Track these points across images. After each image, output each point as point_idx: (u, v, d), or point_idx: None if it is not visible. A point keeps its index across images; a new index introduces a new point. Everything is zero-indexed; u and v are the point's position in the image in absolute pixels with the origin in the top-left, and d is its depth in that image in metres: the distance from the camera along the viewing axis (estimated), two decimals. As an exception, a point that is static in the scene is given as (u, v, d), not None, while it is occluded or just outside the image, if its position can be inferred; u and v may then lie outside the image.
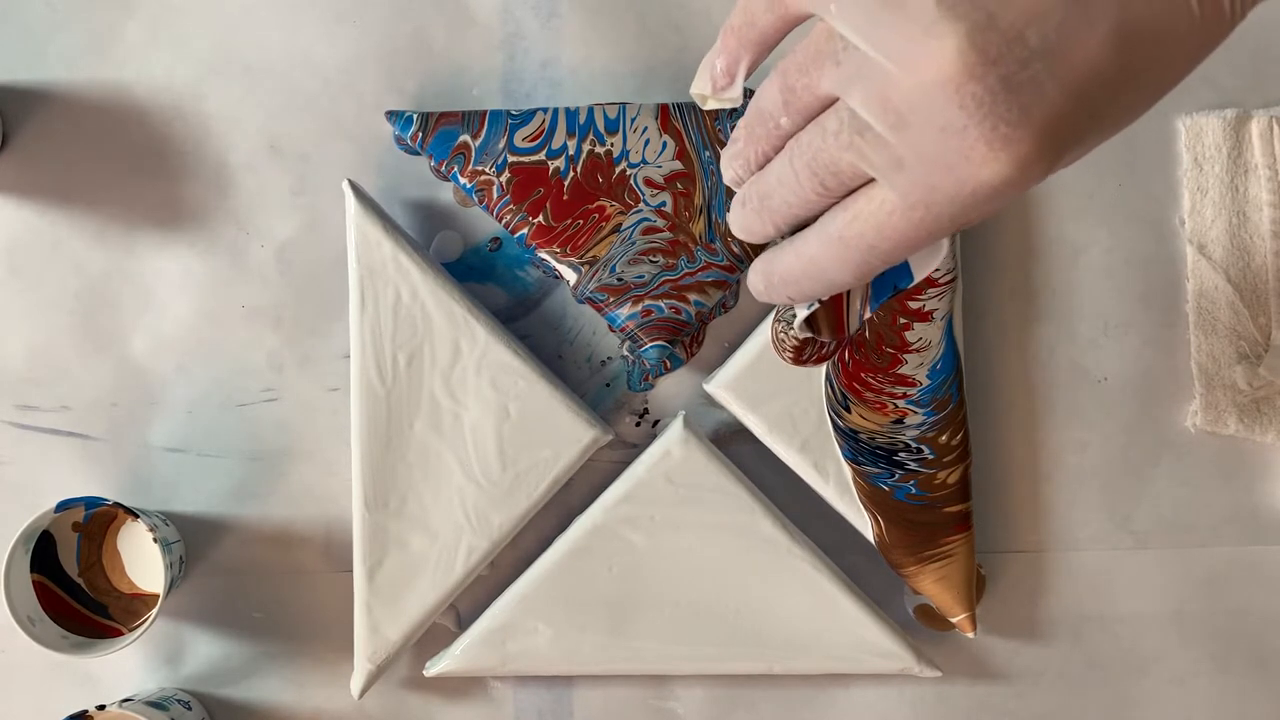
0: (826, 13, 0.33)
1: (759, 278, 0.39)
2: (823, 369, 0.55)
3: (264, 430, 0.58)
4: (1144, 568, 0.58)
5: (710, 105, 0.38)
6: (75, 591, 0.56)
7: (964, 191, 0.33)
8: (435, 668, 0.56)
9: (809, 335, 0.42)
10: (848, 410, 0.55)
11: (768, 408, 0.55)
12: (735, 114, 0.56)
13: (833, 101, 0.34)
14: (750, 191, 0.38)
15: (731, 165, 0.39)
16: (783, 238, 0.39)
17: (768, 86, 0.36)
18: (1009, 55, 0.31)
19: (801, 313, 0.40)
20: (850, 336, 0.43)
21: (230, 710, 0.57)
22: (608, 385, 0.58)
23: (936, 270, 0.55)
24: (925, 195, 0.33)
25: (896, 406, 0.55)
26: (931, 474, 0.55)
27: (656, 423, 0.58)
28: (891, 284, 0.40)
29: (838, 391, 0.55)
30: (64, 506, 0.53)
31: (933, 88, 0.31)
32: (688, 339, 0.56)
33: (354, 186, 0.55)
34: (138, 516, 0.53)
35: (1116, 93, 0.32)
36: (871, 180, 0.34)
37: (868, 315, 0.42)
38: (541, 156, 0.55)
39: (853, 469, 0.55)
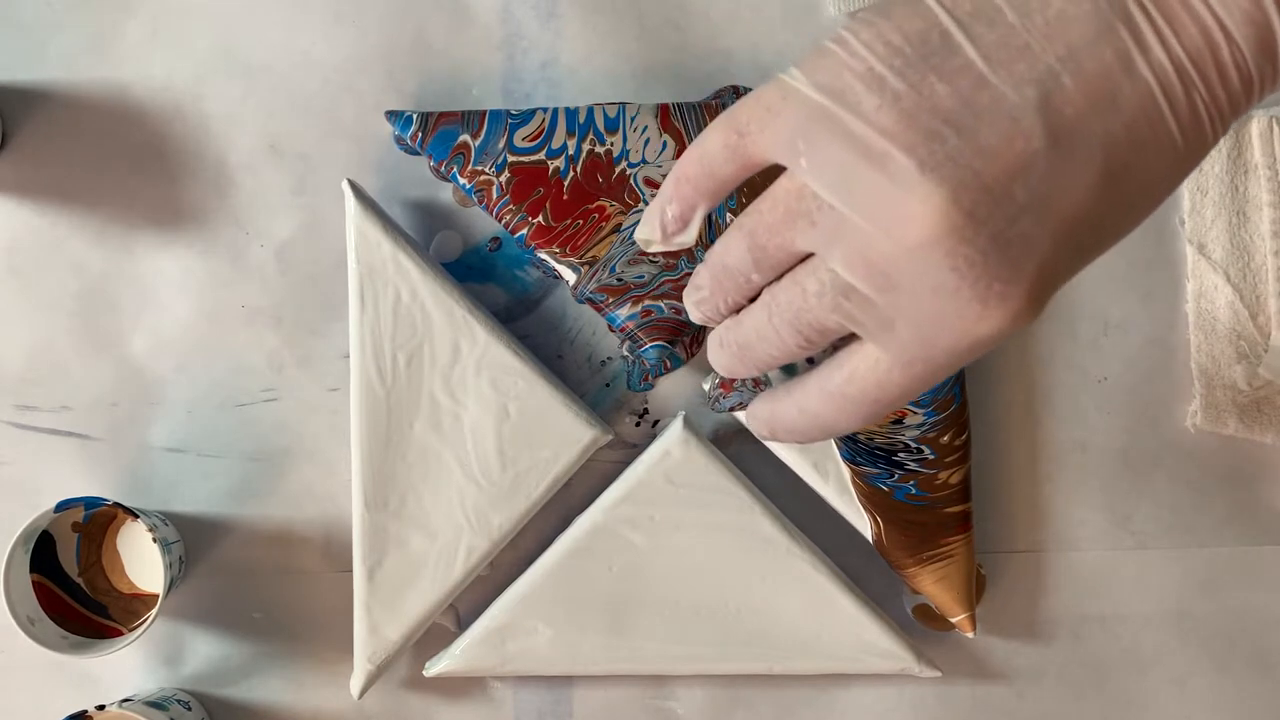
0: (797, 167, 0.32)
1: (762, 426, 0.38)
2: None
3: (264, 430, 0.58)
4: (1144, 568, 0.58)
5: (656, 249, 0.37)
6: (75, 591, 0.56)
7: (960, 347, 0.32)
8: (435, 668, 0.56)
9: None
10: (848, 410, 0.55)
11: (768, 408, 0.55)
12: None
13: (807, 254, 0.33)
14: (728, 338, 0.37)
15: (699, 309, 0.38)
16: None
17: (733, 244, 0.35)
18: (998, 213, 0.30)
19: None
20: None
21: (230, 710, 0.57)
22: (608, 385, 0.58)
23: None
24: (922, 352, 0.32)
25: (896, 406, 0.55)
26: (932, 474, 0.55)
27: (656, 423, 0.58)
28: None
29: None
30: (63, 506, 0.53)
31: (921, 251, 0.30)
32: (688, 339, 0.56)
33: (354, 186, 0.55)
34: (137, 516, 0.53)
35: (1104, 229, 0.32)
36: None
37: None
38: (541, 156, 0.55)
39: (851, 469, 0.55)
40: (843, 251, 0.32)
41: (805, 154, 0.32)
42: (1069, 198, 0.31)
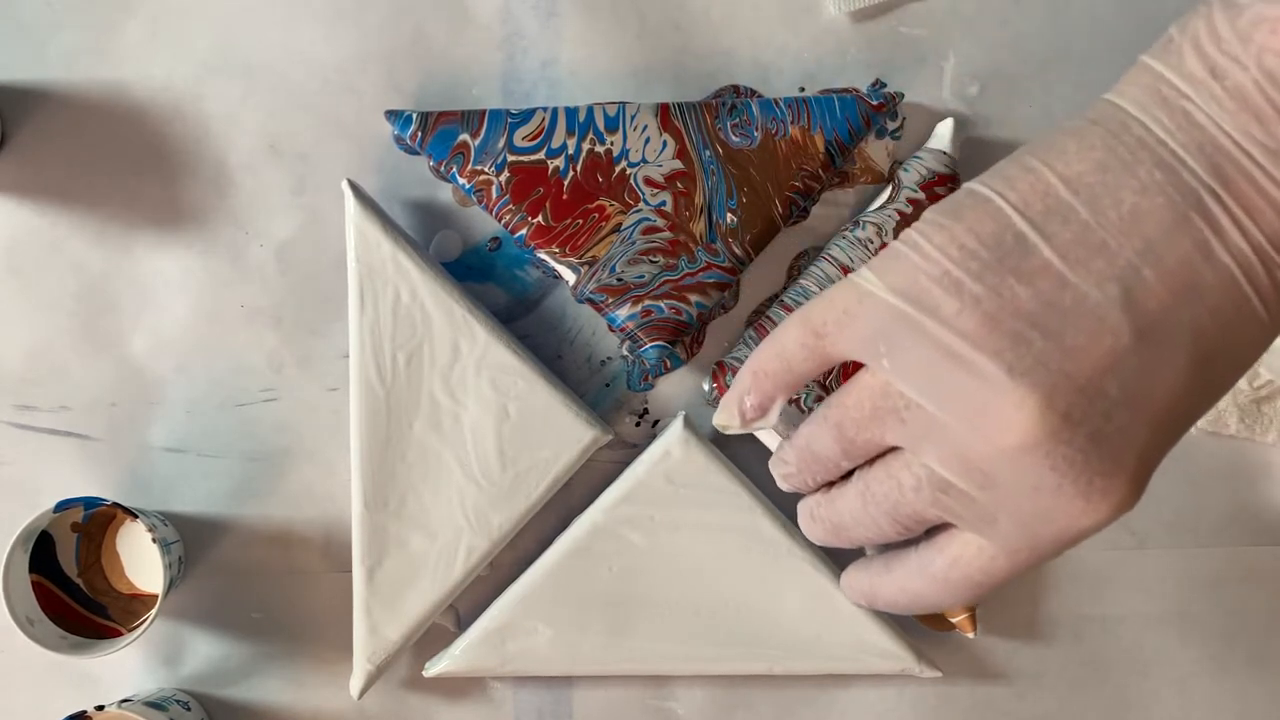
0: (879, 368, 0.32)
1: (860, 598, 0.39)
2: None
3: (264, 430, 0.58)
4: (1144, 568, 0.58)
5: (732, 432, 0.38)
6: (74, 592, 0.56)
7: (1063, 539, 0.32)
8: (435, 668, 0.56)
9: None
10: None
11: (768, 407, 0.55)
12: (735, 112, 0.55)
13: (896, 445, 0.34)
14: (820, 514, 0.37)
15: (787, 482, 0.38)
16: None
17: (820, 435, 0.35)
18: (1093, 412, 0.30)
19: None
20: None
21: (229, 710, 0.57)
22: (608, 385, 0.58)
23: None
24: (1026, 543, 0.32)
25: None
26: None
27: (656, 423, 0.58)
28: None
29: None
30: (63, 506, 0.53)
31: (1019, 452, 0.30)
32: (688, 339, 0.56)
33: (353, 186, 0.55)
34: (137, 516, 0.53)
35: (1196, 406, 0.32)
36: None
37: None
38: (541, 156, 0.55)
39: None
40: (937, 450, 0.32)
41: (888, 356, 0.32)
42: (1162, 388, 0.30)
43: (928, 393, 0.31)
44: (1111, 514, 0.31)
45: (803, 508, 0.38)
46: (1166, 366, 0.30)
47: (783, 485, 0.39)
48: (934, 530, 0.35)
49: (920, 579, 0.35)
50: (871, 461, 0.35)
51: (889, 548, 0.38)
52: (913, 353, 0.31)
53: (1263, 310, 0.31)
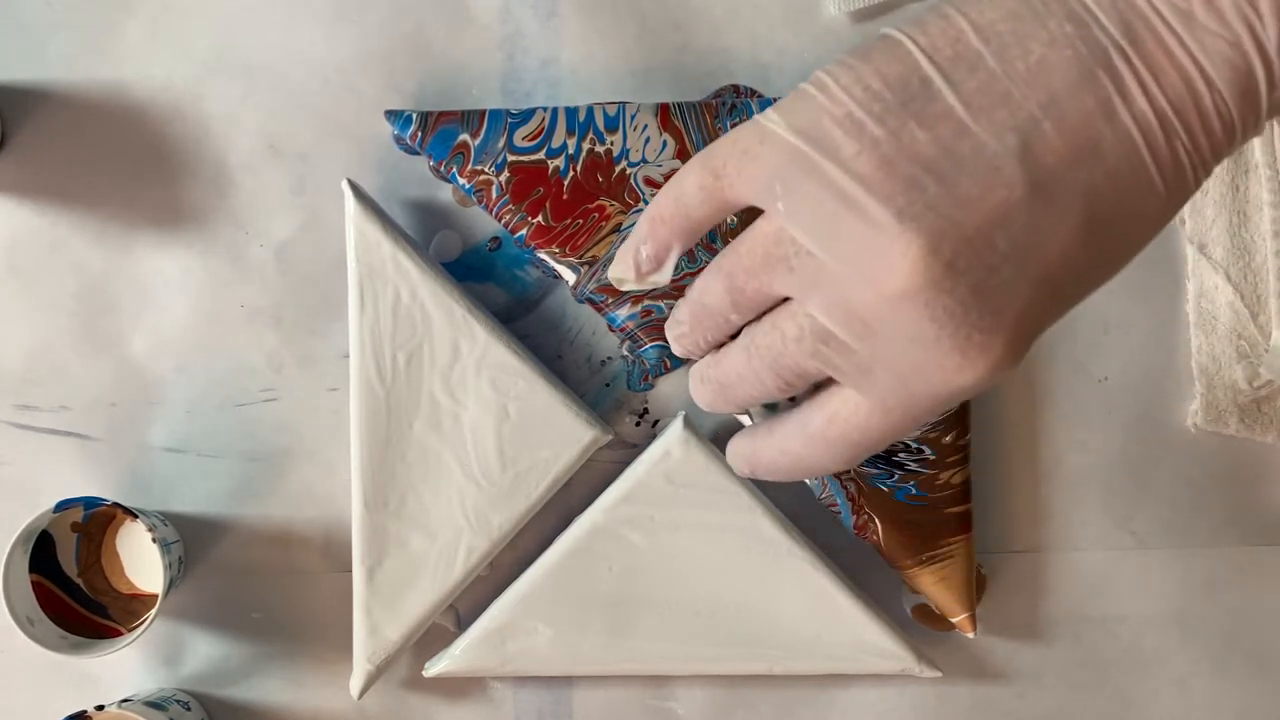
0: (774, 211, 0.32)
1: (743, 463, 0.38)
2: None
3: (263, 430, 0.58)
4: (1144, 568, 0.58)
5: (629, 287, 0.37)
6: (74, 591, 0.56)
7: (940, 395, 0.32)
8: (435, 668, 0.56)
9: None
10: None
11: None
12: (735, 111, 0.56)
13: (786, 297, 0.33)
14: (708, 374, 0.37)
15: (680, 343, 0.38)
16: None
17: (711, 285, 0.35)
18: (978, 263, 0.30)
19: None
20: None
21: (229, 710, 0.57)
22: (608, 385, 0.58)
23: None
24: (902, 399, 0.32)
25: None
26: (933, 474, 0.55)
27: (656, 423, 0.58)
28: None
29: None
30: (63, 506, 0.53)
31: (900, 300, 0.30)
32: (687, 339, 0.56)
33: (353, 186, 0.55)
34: (137, 516, 0.53)
35: (1086, 276, 0.32)
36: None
37: None
38: (541, 156, 0.55)
39: (852, 469, 0.55)
40: (821, 298, 0.32)
41: (783, 198, 0.31)
42: (1050, 247, 0.30)
43: (817, 236, 0.31)
44: (988, 372, 0.31)
45: (694, 373, 0.38)
46: (1057, 225, 0.30)
47: (676, 348, 0.38)
48: (817, 390, 0.35)
49: (799, 439, 0.35)
50: (760, 317, 0.35)
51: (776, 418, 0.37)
52: (807, 196, 0.31)
53: (1160, 181, 0.31)
